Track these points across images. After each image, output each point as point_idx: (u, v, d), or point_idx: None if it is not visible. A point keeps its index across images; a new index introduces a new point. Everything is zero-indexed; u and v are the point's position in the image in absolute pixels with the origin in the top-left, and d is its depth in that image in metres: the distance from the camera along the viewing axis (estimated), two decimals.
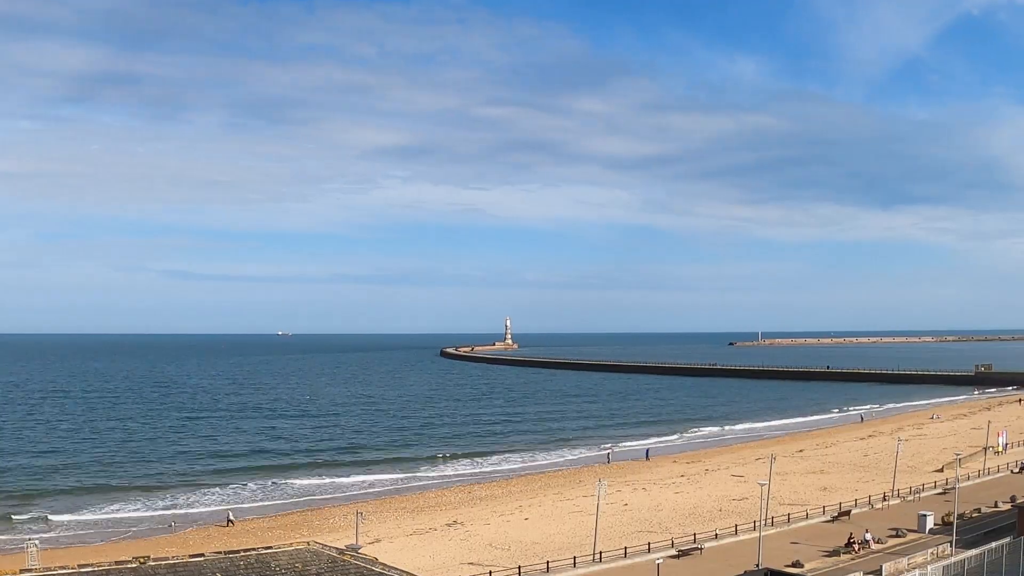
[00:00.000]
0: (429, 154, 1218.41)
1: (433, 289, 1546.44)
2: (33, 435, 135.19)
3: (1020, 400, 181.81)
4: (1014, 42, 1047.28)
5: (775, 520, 67.63)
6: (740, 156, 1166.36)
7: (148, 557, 38.11)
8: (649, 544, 60.69)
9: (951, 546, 56.94)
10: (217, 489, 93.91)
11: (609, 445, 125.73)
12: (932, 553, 56.11)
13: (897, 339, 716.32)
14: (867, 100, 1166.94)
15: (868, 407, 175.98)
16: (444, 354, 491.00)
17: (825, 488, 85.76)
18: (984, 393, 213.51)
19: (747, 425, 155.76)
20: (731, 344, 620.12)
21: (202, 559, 38.47)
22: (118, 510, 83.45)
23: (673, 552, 58.88)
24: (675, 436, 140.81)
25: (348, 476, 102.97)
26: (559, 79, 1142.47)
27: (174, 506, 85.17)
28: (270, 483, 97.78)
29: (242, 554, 39.74)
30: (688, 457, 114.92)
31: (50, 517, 79.55)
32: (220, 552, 40.68)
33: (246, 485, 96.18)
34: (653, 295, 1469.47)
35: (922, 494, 79.26)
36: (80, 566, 36.13)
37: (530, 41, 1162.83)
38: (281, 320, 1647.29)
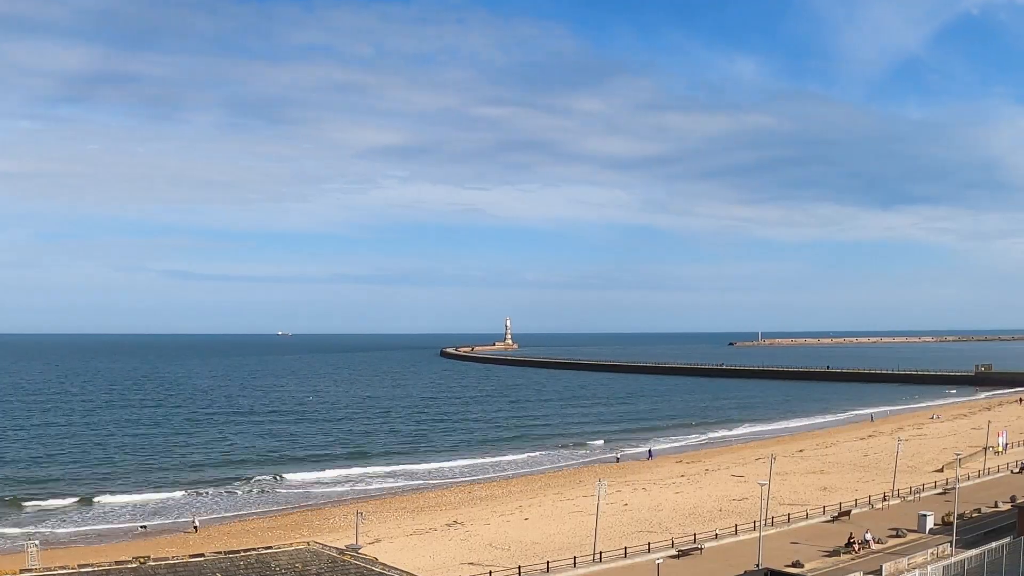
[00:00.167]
0: (428, 154, 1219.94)
1: (433, 289, 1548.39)
2: (35, 435, 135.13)
3: (1020, 400, 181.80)
4: (1014, 42, 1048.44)
5: (775, 520, 67.62)
6: (740, 156, 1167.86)
7: (148, 557, 38.09)
8: (649, 544, 60.68)
9: (951, 546, 56.93)
10: (211, 490, 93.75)
11: (616, 445, 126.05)
12: (932, 553, 56.10)
13: (897, 339, 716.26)
14: (867, 100, 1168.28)
15: (877, 409, 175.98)
16: (444, 354, 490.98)
17: (825, 488, 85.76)
18: (984, 393, 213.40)
19: (747, 425, 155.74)
20: (731, 344, 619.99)
21: (202, 559, 38.46)
22: (114, 510, 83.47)
23: (673, 552, 58.87)
24: (675, 436, 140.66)
25: (348, 476, 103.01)
26: (558, 79, 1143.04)
27: (168, 507, 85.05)
28: (270, 483, 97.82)
29: (242, 554, 39.73)
30: (688, 457, 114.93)
31: (50, 517, 79.62)
32: (220, 552, 40.67)
33: (246, 485, 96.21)
34: (653, 295, 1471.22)
35: (922, 494, 79.25)
36: (80, 566, 36.11)
37: (529, 41, 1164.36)
38: (281, 320, 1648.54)
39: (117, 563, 38.04)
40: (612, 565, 56.81)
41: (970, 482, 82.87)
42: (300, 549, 41.20)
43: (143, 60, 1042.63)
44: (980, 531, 62.42)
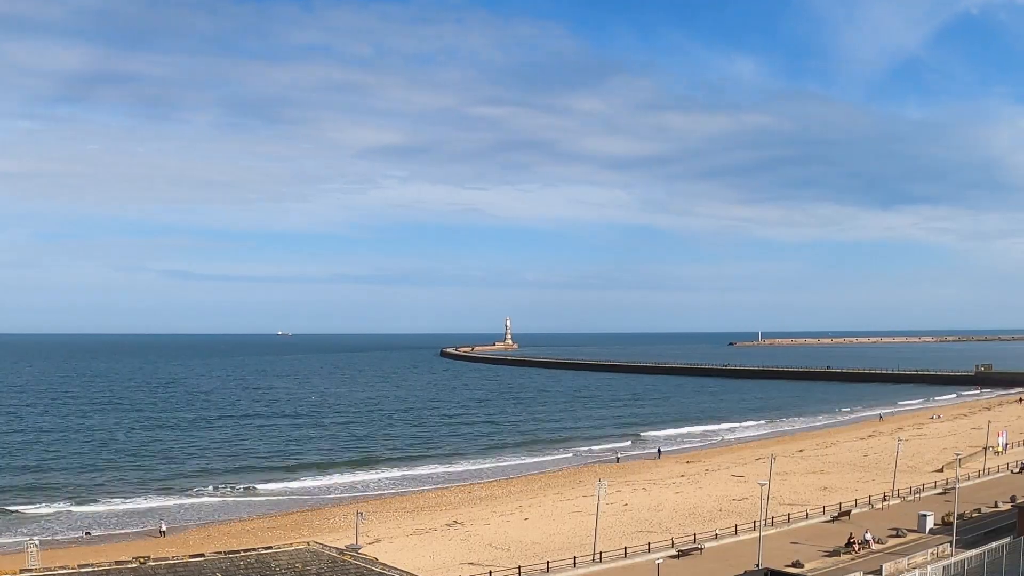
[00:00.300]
0: (428, 154, 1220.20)
1: (433, 289, 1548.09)
2: (36, 435, 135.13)
3: (1020, 400, 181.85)
4: (1014, 42, 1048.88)
5: (775, 520, 67.63)
6: (740, 156, 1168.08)
7: (148, 557, 38.08)
8: (649, 544, 60.69)
9: (951, 546, 56.93)
10: (211, 490, 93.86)
11: (617, 445, 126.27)
12: (932, 553, 56.11)
13: (897, 339, 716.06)
14: (866, 100, 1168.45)
15: (887, 408, 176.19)
16: (444, 354, 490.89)
17: (825, 488, 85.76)
18: (984, 393, 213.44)
19: (747, 425, 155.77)
20: (731, 344, 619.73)
21: (202, 559, 38.44)
22: (112, 509, 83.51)
23: (673, 552, 58.88)
24: (676, 435, 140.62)
25: (348, 476, 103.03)
26: (558, 79, 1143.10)
27: (162, 508, 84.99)
28: (270, 483, 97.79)
29: (242, 554, 39.71)
30: (688, 457, 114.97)
31: (51, 517, 79.64)
32: (220, 552, 40.65)
33: (246, 485, 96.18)
34: (653, 295, 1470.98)
35: (922, 494, 79.26)
36: (80, 566, 36.09)
37: (528, 41, 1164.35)
38: (281, 320, 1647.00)
39: (117, 563, 38.02)
40: (612, 565, 56.81)
41: (970, 482, 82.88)
42: (300, 549, 41.19)
43: (142, 60, 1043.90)
44: (980, 531, 62.42)
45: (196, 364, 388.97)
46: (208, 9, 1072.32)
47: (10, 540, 69.39)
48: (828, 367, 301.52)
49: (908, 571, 52.23)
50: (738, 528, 65.32)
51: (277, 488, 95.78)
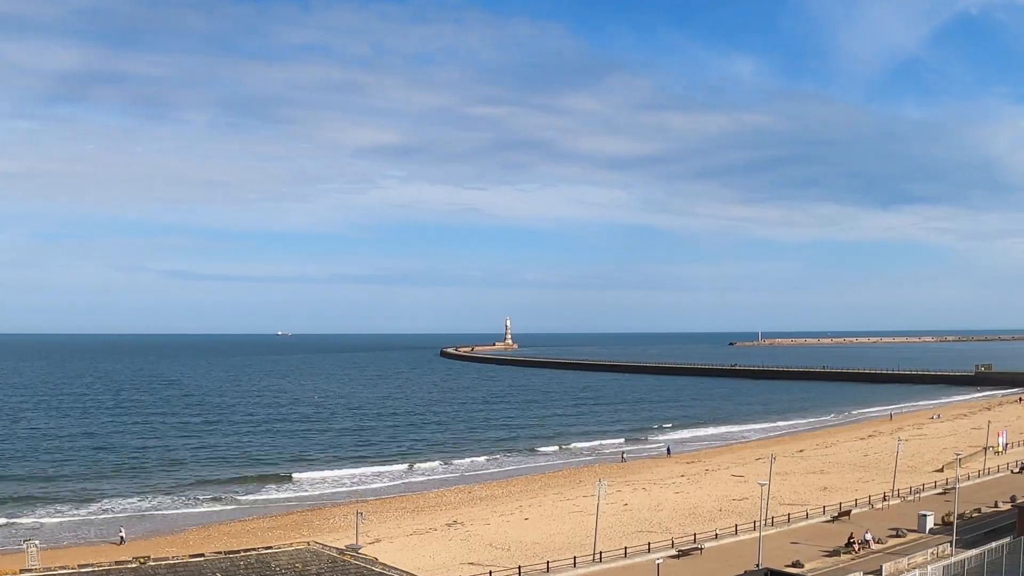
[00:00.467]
0: (427, 153, 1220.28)
1: (433, 289, 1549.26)
2: (37, 436, 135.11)
3: (1020, 400, 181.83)
4: (1013, 41, 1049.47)
5: (775, 520, 67.62)
6: (739, 156, 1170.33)
7: (148, 557, 38.09)
8: (649, 544, 60.69)
9: (951, 546, 56.93)
10: (211, 489, 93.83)
11: (618, 445, 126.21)
12: (932, 553, 56.10)
13: (897, 339, 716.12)
14: (865, 100, 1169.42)
15: (896, 406, 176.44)
16: (444, 354, 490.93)
17: (825, 488, 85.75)
18: (984, 393, 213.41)
19: (747, 425, 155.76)
20: (731, 344, 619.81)
21: (202, 559, 38.45)
22: (107, 510, 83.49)
23: (673, 552, 58.88)
24: (676, 435, 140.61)
25: (348, 476, 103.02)
26: (557, 78, 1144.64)
27: (162, 508, 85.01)
28: (271, 483, 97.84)
29: (242, 554, 39.72)
30: (688, 457, 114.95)
31: (52, 517, 79.62)
32: (220, 552, 40.65)
33: (247, 485, 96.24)
34: (653, 295, 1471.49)
35: (922, 494, 79.25)
36: (80, 566, 36.09)
37: (527, 40, 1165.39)
38: (281, 320, 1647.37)
39: (117, 563, 38.03)
40: (612, 565, 56.81)
41: (970, 482, 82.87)
42: (300, 549, 41.19)
43: (140, 59, 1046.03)
44: (980, 531, 62.43)
45: (196, 364, 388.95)
46: (206, 9, 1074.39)
47: (10, 540, 69.36)
48: (824, 366, 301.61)
49: (908, 571, 52.23)
50: (738, 528, 65.31)
51: (277, 488, 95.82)
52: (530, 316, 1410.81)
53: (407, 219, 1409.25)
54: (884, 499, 76.64)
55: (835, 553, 58.81)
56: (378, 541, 64.79)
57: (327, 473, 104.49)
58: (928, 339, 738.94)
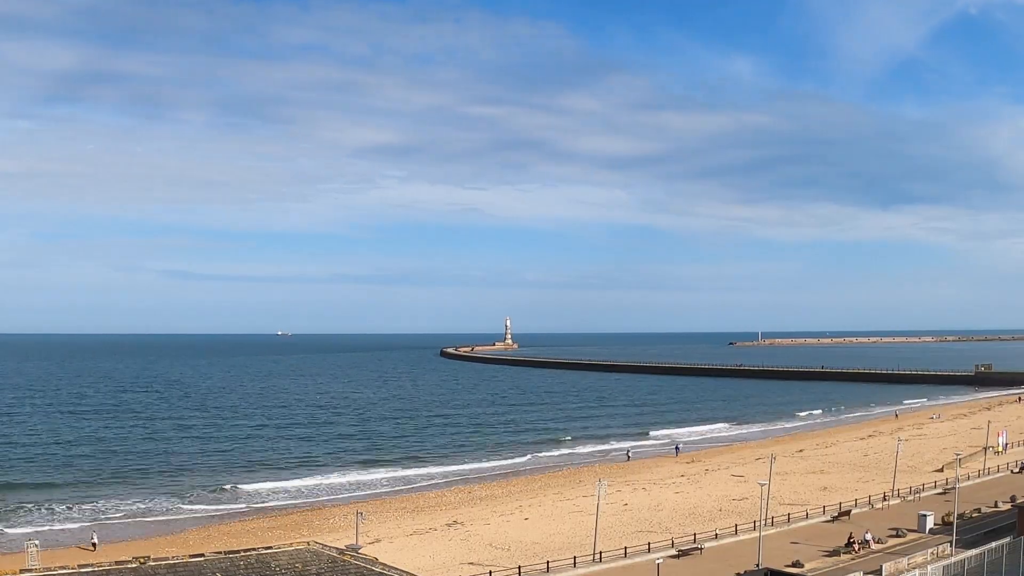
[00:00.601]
0: (426, 153, 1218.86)
1: (433, 289, 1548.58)
2: (38, 435, 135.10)
3: (1020, 400, 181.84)
4: (1012, 41, 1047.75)
5: (775, 520, 67.63)
6: (738, 155, 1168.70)
7: (148, 557, 38.09)
8: (649, 544, 60.70)
9: (951, 546, 56.94)
10: (212, 488, 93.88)
11: (619, 444, 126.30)
12: (932, 553, 56.12)
13: (897, 339, 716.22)
14: (865, 99, 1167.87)
15: (901, 405, 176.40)
16: (444, 354, 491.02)
17: (825, 488, 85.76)
18: (984, 393, 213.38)
19: (747, 425, 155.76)
20: (731, 344, 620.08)
21: (202, 559, 38.45)
22: (106, 510, 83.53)
23: (673, 552, 58.89)
24: (675, 435, 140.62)
25: (348, 476, 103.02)
26: (556, 78, 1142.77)
27: (162, 508, 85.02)
28: (270, 483, 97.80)
29: (242, 554, 39.72)
30: (688, 457, 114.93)
31: (52, 517, 79.64)
32: (220, 552, 40.65)
33: (247, 485, 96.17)
34: (653, 295, 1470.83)
35: (922, 494, 79.26)
36: (80, 566, 36.09)
37: (526, 40, 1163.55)
38: (281, 320, 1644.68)
39: (117, 563, 38.03)
40: (612, 565, 56.82)
41: (970, 482, 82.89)
42: (300, 549, 41.19)
43: (139, 59, 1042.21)
44: (980, 531, 62.42)
45: (196, 364, 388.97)
46: (205, 8, 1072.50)
47: (10, 540, 69.37)
48: (824, 366, 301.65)
49: (908, 571, 52.24)
50: (738, 528, 65.33)
51: (277, 488, 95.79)
52: (530, 316, 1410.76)
53: (407, 219, 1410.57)
54: (884, 499, 76.66)
55: (835, 553, 58.82)
56: (378, 541, 64.80)
57: (327, 473, 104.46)
58: (928, 339, 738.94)
